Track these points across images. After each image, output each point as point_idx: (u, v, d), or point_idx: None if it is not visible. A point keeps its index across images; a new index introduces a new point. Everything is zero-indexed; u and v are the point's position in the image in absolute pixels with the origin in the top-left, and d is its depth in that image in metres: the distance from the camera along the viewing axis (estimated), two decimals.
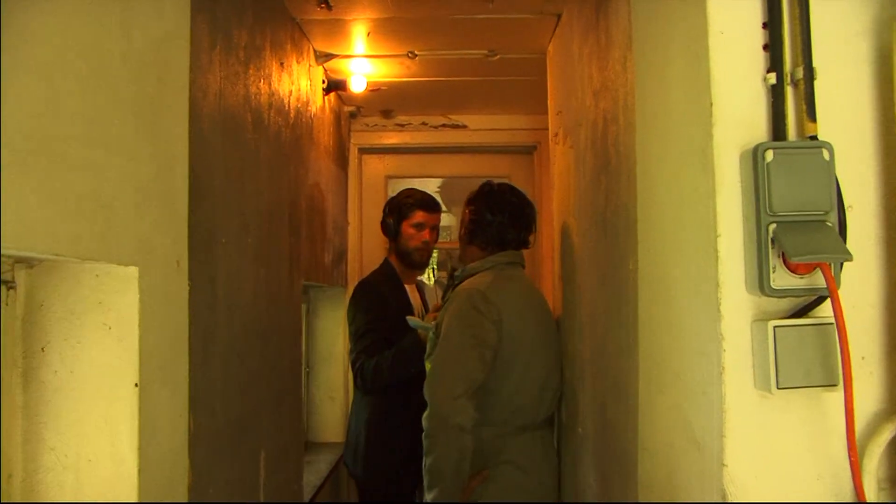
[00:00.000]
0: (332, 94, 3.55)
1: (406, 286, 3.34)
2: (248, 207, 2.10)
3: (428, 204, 3.27)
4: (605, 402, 1.93)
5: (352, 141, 4.18)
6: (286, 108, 2.60)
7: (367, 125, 4.20)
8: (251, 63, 2.16)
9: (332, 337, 4.07)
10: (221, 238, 1.86)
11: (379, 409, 3.13)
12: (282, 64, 2.53)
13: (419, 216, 3.22)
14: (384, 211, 3.32)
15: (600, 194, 1.99)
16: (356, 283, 3.43)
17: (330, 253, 3.58)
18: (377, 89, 3.55)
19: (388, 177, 4.30)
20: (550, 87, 2.95)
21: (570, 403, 2.51)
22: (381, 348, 2.99)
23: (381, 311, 3.10)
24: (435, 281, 6.84)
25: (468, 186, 2.73)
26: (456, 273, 2.66)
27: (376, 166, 4.29)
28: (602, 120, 1.96)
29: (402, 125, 4.20)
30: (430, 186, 4.23)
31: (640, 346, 1.57)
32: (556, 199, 2.84)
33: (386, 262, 3.35)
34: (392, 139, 4.23)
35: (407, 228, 3.22)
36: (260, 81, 2.25)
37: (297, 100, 2.80)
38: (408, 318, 2.97)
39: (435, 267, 6.56)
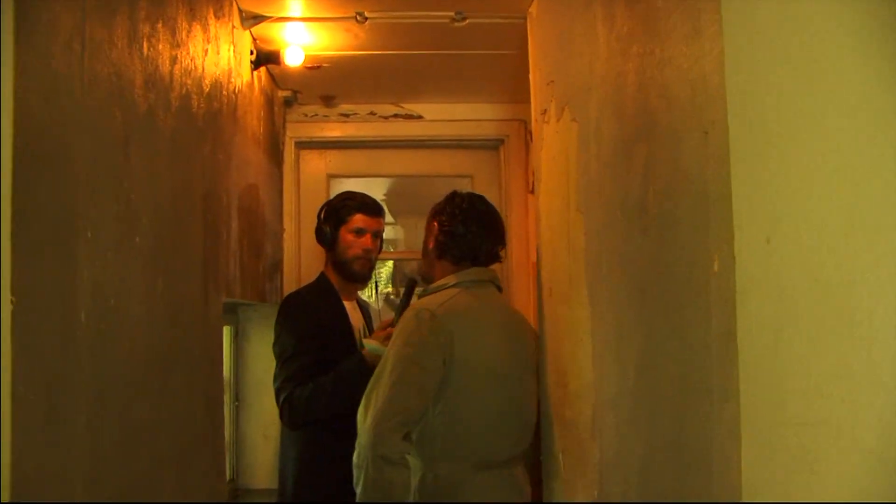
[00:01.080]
0: (264, 72, 2.94)
1: (345, 302, 2.79)
2: (137, 193, 1.49)
3: (369, 207, 2.82)
4: (662, 457, 1.35)
5: (287, 133, 3.56)
6: (199, 72, 1.98)
7: (306, 115, 3.59)
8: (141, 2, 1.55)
9: (266, 363, 3.32)
10: (86, 231, 1.24)
11: (310, 445, 2.63)
12: (192, 12, 1.92)
13: (359, 220, 2.77)
14: (319, 217, 2.85)
15: (634, 174, 1.43)
16: (284, 299, 2.87)
17: (262, 263, 2.96)
18: (317, 67, 2.95)
19: (331, 176, 3.68)
20: (534, 55, 2.39)
21: (570, 447, 1.95)
22: (313, 374, 2.53)
23: (313, 329, 2.63)
24: (384, 298, 6.23)
25: (419, 192, 2.35)
26: (418, 290, 2.47)
27: (316, 163, 3.67)
28: (639, 77, 1.41)
29: (347, 115, 3.60)
30: (377, 192, 3.66)
31: (742, 387, 1.00)
32: (545, 192, 2.27)
33: (322, 276, 2.84)
34: (335, 132, 3.62)
35: (345, 235, 2.76)
36: (156, 26, 1.64)
37: (216, 66, 2.19)
38: (365, 340, 2.58)
39: (377, 281, 5.96)
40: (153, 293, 1.57)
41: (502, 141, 3.60)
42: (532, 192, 3.46)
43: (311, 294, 2.76)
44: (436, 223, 2.36)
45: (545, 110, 2.20)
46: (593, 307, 1.76)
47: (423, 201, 5.28)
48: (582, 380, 1.85)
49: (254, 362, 3.42)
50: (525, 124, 3.56)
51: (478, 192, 3.58)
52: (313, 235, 2.86)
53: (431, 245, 2.37)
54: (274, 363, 2.61)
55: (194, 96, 1.93)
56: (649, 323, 1.38)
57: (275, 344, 2.65)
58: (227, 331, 3.29)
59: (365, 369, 2.37)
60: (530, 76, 2.43)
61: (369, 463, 1.99)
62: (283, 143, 3.53)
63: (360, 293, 3.04)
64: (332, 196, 3.02)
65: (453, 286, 2.24)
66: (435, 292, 2.27)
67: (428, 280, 2.42)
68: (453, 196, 2.40)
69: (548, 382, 2.21)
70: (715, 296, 1.06)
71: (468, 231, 2.30)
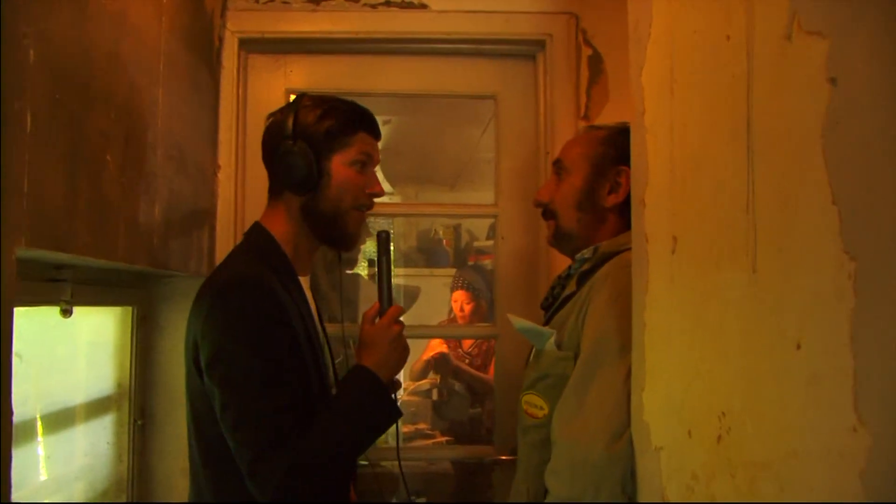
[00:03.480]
0: None
1: (299, 279, 1.71)
2: None
3: (373, 122, 1.76)
4: None
5: (228, 26, 2.41)
6: None
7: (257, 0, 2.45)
8: None
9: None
10: None
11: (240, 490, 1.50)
12: None
13: (365, 144, 1.71)
14: (281, 134, 1.67)
15: None
16: (222, 276, 1.64)
17: (161, 209, 1.84)
18: None
19: (292, 92, 2.51)
20: None
21: None
22: (303, 406, 1.50)
23: (287, 333, 1.54)
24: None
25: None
26: (578, 257, 1.70)
27: (271, 74, 2.52)
28: None
29: (317, 1, 2.45)
30: None
31: None
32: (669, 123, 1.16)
33: (261, 235, 1.71)
34: (298, 25, 2.44)
35: (342, 169, 1.67)
36: None
37: None
38: (511, 316, 1.69)
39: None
40: None
41: (542, 45, 2.44)
42: (584, 117, 2.32)
43: (263, 271, 1.58)
44: (625, 170, 1.57)
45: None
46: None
47: (427, 147, 3.99)
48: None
49: (168, 361, 2.31)
50: (577, 20, 2.42)
51: (505, 118, 2.47)
52: (260, 178, 1.81)
53: (613, 198, 1.68)
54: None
55: None
56: None
57: (214, 360, 1.49)
58: (123, 314, 2.18)
59: (379, 388, 1.59)
60: None
61: (608, 492, 1.31)
62: (221, 41, 2.39)
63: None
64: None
65: None
66: (615, 254, 1.58)
67: (567, 241, 1.73)
68: (621, 125, 1.68)
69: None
70: None
71: None
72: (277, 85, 2.50)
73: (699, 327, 1.00)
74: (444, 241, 5.66)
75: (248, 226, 2.37)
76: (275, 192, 1.73)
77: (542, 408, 1.54)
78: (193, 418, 1.61)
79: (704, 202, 0.99)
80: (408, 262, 5.39)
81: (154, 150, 1.74)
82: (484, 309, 4.10)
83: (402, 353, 1.66)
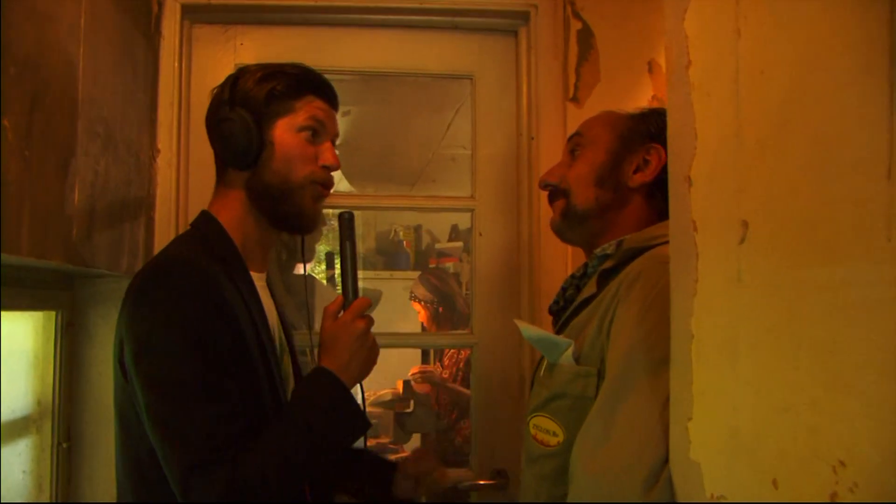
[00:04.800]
0: None
1: (253, 275, 1.46)
2: None
3: (326, 87, 1.51)
4: None
5: None
6: None
7: None
8: None
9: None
10: None
11: None
12: None
13: (315, 108, 1.47)
14: (220, 101, 1.48)
15: None
16: (152, 261, 1.41)
17: (90, 199, 1.54)
18: None
19: (241, 67, 2.22)
20: None
21: None
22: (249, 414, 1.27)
23: (223, 327, 1.28)
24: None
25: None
26: (598, 252, 1.42)
27: (218, 47, 2.22)
28: None
29: None
30: None
31: None
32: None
33: (207, 222, 1.47)
34: None
35: (286, 137, 1.44)
36: None
37: None
38: (519, 322, 1.40)
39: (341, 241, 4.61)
40: None
41: (525, 17, 2.18)
42: (573, 99, 2.07)
43: (203, 257, 1.35)
44: (657, 147, 1.41)
45: None
46: None
47: (388, 142, 3.69)
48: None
49: (99, 374, 1.99)
50: None
51: (483, 100, 2.21)
52: (205, 164, 1.60)
53: (639, 176, 1.43)
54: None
55: None
56: None
57: (140, 353, 1.25)
58: (44, 319, 1.87)
59: (342, 394, 1.34)
60: None
61: None
62: (160, 6, 2.09)
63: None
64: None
65: None
66: (649, 246, 1.31)
67: (579, 222, 1.46)
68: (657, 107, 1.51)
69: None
70: None
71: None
72: (226, 59, 2.20)
73: (793, 340, 0.74)
74: (405, 242, 5.44)
75: (190, 217, 2.10)
76: (219, 172, 1.50)
77: (555, 433, 1.27)
78: (120, 431, 1.35)
79: (800, 172, 0.74)
80: (367, 264, 5.14)
81: (72, 121, 1.44)
82: (445, 315, 3.87)
83: (369, 354, 1.42)
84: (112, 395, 1.37)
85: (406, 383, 3.89)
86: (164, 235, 2.03)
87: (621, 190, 1.43)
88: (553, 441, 1.27)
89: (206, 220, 1.46)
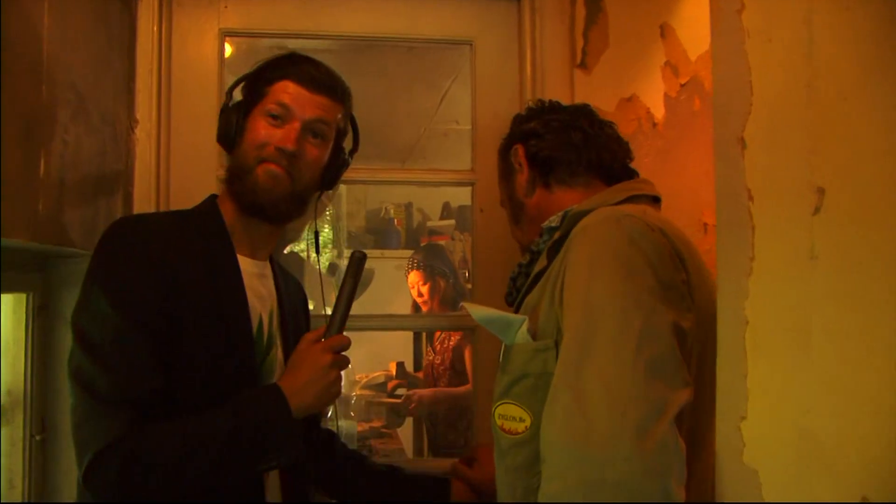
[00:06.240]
0: None
1: (245, 260, 1.47)
2: None
3: (307, 73, 1.47)
4: None
5: None
6: None
7: None
8: None
9: None
10: None
11: None
12: None
13: (285, 92, 1.43)
14: (231, 93, 1.53)
15: None
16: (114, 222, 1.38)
17: (60, 171, 1.40)
18: None
19: (227, 34, 2.07)
20: None
21: None
22: (163, 397, 1.25)
23: (166, 290, 1.29)
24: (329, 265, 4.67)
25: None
26: (545, 226, 1.37)
27: (201, 11, 2.05)
28: None
29: None
30: None
31: None
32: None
33: (207, 202, 1.51)
34: None
35: (252, 122, 1.45)
36: None
37: None
38: (467, 304, 1.33)
39: (319, 232, 4.42)
40: None
41: None
42: (581, 65, 1.94)
43: (173, 223, 1.40)
44: (515, 147, 1.53)
45: None
46: None
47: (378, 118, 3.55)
48: None
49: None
50: None
51: (485, 65, 2.07)
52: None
53: (519, 178, 1.52)
54: None
55: None
56: None
57: (75, 312, 1.27)
58: (14, 302, 1.74)
59: (281, 415, 1.29)
60: None
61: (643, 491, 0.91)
62: None
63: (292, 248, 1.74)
64: (235, 70, 1.67)
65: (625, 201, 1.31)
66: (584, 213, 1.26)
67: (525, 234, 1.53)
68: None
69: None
70: None
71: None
72: (209, 25, 2.05)
73: (881, 326, 0.62)
74: (396, 220, 5.34)
75: (172, 193, 1.97)
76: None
77: (521, 419, 1.17)
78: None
79: (889, 129, 0.61)
80: (357, 243, 5.03)
81: (36, 85, 1.30)
82: (444, 288, 3.74)
83: (326, 388, 1.38)
84: None
85: (399, 365, 3.79)
86: (144, 211, 1.90)
87: (524, 206, 1.49)
88: (521, 427, 1.17)
89: (206, 200, 1.50)
